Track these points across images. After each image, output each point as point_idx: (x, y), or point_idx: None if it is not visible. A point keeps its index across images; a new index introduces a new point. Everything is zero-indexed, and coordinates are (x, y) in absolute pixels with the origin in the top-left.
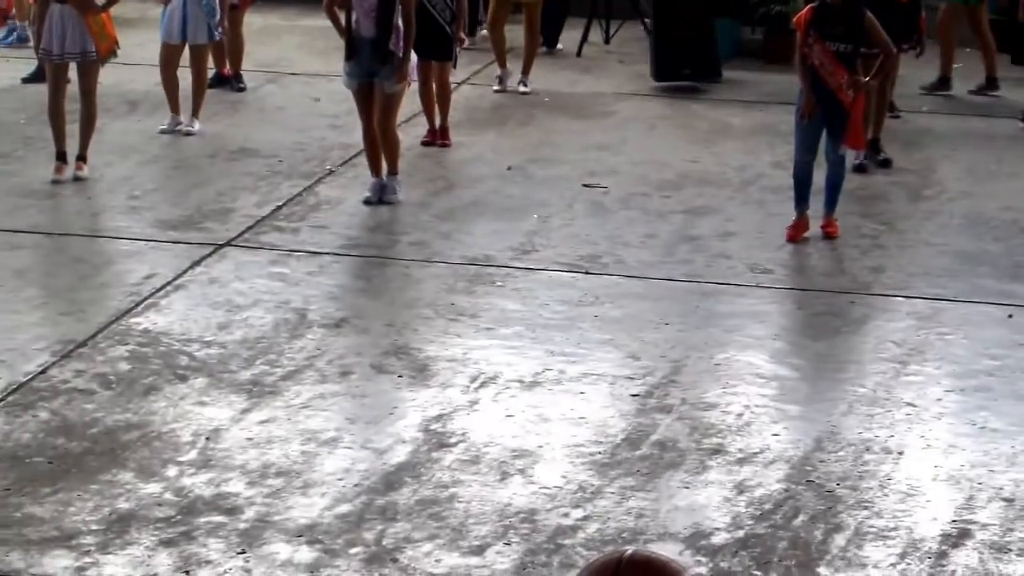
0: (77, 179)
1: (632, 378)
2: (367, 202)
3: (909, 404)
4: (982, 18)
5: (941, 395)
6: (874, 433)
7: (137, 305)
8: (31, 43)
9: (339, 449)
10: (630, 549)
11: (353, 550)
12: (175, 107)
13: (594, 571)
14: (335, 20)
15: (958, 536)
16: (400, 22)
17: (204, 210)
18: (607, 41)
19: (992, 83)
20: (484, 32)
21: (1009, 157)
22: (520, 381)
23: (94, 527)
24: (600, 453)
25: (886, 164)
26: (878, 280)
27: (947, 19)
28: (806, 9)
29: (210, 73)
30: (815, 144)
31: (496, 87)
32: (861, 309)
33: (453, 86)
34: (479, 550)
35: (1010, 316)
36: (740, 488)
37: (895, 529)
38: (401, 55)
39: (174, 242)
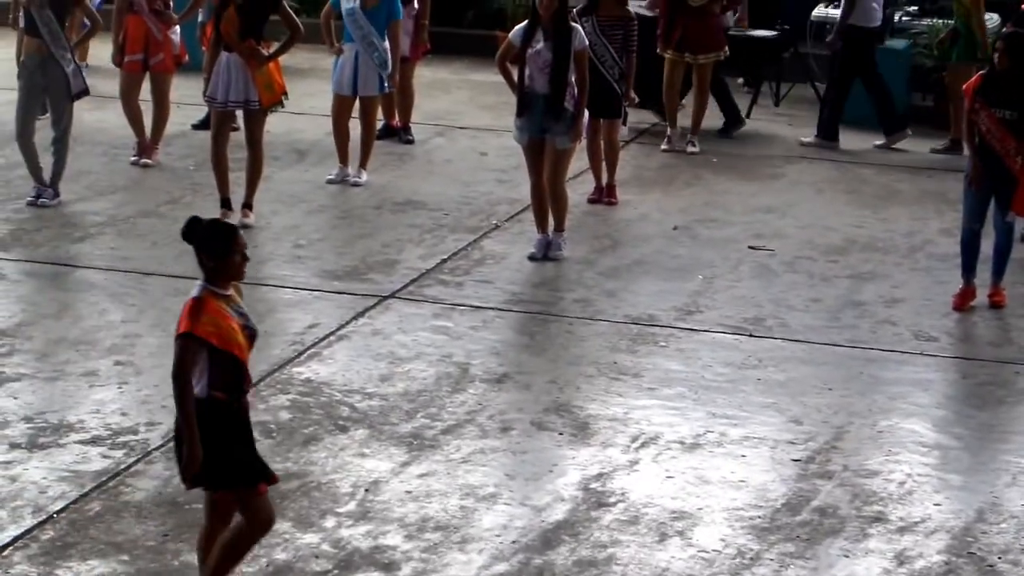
0: (243, 227)
1: (794, 443)
2: (532, 258)
3: None
4: None
5: None
6: None
7: (300, 355)
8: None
9: (498, 505)
10: None
11: None
12: (344, 158)
13: None
14: (507, 75)
15: None
16: (574, 79)
17: (369, 261)
18: (777, 104)
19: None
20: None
21: None
22: (681, 442)
23: None
24: (760, 518)
25: None
26: None
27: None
28: (976, 76)
29: (379, 125)
30: (983, 211)
31: (664, 146)
32: None
33: (621, 144)
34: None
35: None
36: (900, 559)
37: None
38: (575, 111)
39: (338, 292)
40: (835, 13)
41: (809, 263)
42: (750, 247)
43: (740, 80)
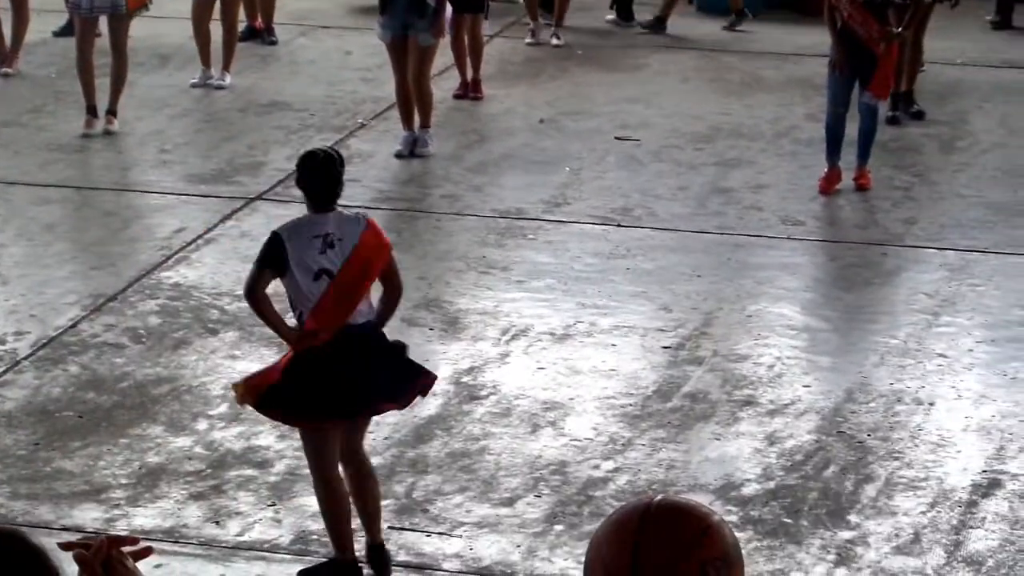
0: (107, 133)
1: (663, 330)
2: (399, 155)
3: (940, 355)
4: None
5: (972, 346)
6: (905, 384)
7: (167, 259)
8: None
9: None
10: (659, 495)
11: (384, 502)
12: (206, 60)
13: (623, 516)
14: None
15: (988, 486)
16: None
17: (235, 164)
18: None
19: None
20: None
21: None
22: (551, 334)
23: (124, 481)
24: (631, 405)
25: (919, 116)
26: (910, 232)
27: None
28: None
29: (241, 26)
30: (848, 96)
31: (529, 40)
32: (893, 261)
33: (485, 39)
34: (509, 502)
35: None
36: (771, 439)
37: (925, 479)
38: (437, 7)
39: (205, 196)
40: None
41: (675, 152)
42: (616, 138)
43: None
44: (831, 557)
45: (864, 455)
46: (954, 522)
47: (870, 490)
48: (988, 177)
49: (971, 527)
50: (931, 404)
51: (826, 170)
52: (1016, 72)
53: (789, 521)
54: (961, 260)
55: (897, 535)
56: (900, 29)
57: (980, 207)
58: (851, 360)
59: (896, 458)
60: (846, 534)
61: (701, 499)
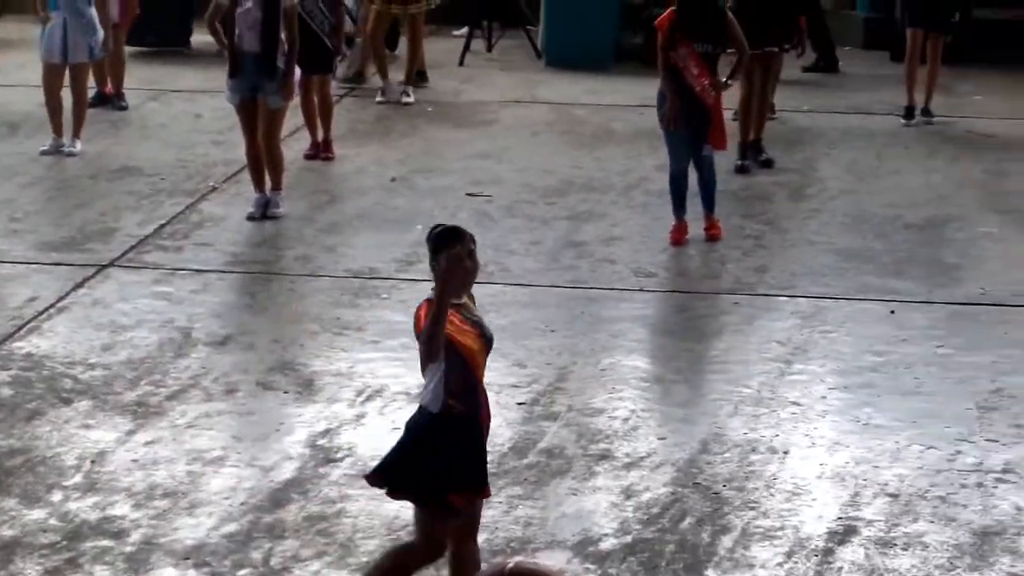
0: None
1: (518, 386)
2: (251, 218)
3: (794, 403)
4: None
5: (825, 393)
6: (759, 433)
7: (19, 329)
8: None
9: (225, 468)
10: (512, 561)
11: (241, 572)
12: (57, 128)
13: None
14: (217, 35)
15: (844, 533)
16: (283, 36)
17: (87, 231)
18: (489, 49)
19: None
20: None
21: (889, 154)
22: (406, 393)
23: None
24: (488, 463)
25: (768, 164)
26: (762, 280)
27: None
28: (667, 12)
29: (91, 92)
30: (687, 150)
31: (379, 98)
32: (745, 310)
33: (335, 98)
34: (368, 565)
35: (892, 312)
36: (627, 493)
37: (781, 528)
38: (286, 69)
39: (56, 264)
40: None
41: (527, 206)
42: (468, 194)
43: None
44: None
45: (720, 506)
46: (811, 572)
47: (727, 541)
48: (838, 223)
49: None
50: (786, 452)
51: (675, 223)
52: (861, 117)
53: None
54: (813, 307)
55: None
56: (727, 79)
57: (830, 253)
58: (705, 411)
59: (752, 508)
60: None
61: (558, 556)
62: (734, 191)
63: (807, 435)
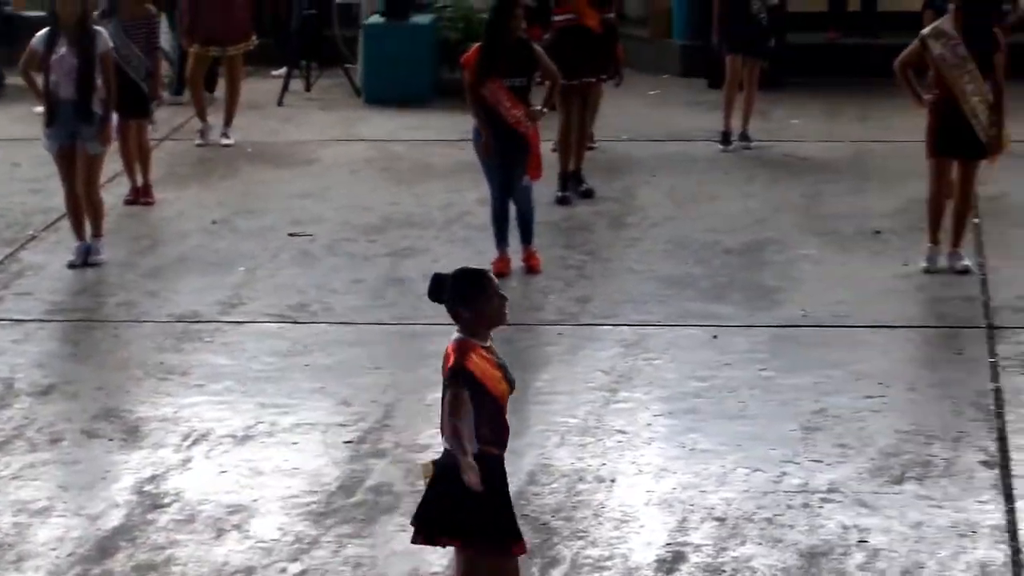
0: None
1: (345, 425)
2: (71, 265)
3: (620, 431)
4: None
5: (651, 420)
6: (586, 462)
7: None
8: None
9: (52, 518)
10: None
11: None
12: None
13: None
14: (32, 83)
15: (673, 560)
16: (100, 82)
17: None
18: (308, 89)
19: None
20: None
21: (708, 180)
22: (232, 436)
23: None
24: (315, 503)
25: (588, 194)
26: (585, 310)
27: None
28: (473, 49)
29: None
30: (506, 181)
31: (198, 141)
32: (569, 340)
33: (154, 143)
34: None
35: (715, 337)
36: None
37: (611, 558)
38: (103, 115)
39: None
40: None
41: (349, 244)
42: (290, 234)
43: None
44: None
45: (549, 536)
46: None
47: (556, 573)
48: (659, 251)
49: None
50: (613, 481)
51: (497, 255)
52: (679, 144)
53: None
54: (636, 335)
55: None
56: (541, 107)
57: (652, 281)
58: (532, 442)
59: (581, 537)
60: None
61: None
62: (555, 222)
63: (634, 462)
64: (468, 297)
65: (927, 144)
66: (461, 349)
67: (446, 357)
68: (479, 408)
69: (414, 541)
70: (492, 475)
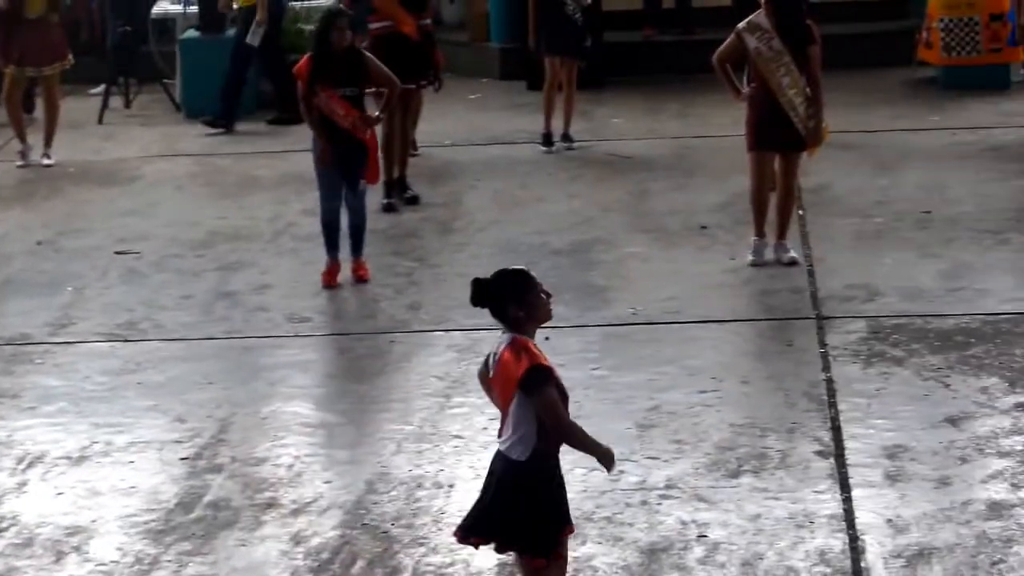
0: None
1: (180, 441)
2: None
3: (456, 436)
4: None
5: (486, 424)
6: (424, 469)
7: None
8: None
9: None
10: None
11: None
12: None
13: None
14: None
15: (514, 563)
16: None
17: None
18: (128, 105)
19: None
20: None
21: (533, 182)
22: (68, 457)
23: None
24: (154, 521)
25: (414, 201)
26: (416, 317)
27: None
28: (304, 59)
29: None
30: (339, 188)
31: (19, 162)
32: (401, 348)
33: None
34: None
35: (547, 339)
36: (296, 540)
37: (452, 564)
38: None
39: None
40: (174, 8)
41: (176, 260)
42: (116, 252)
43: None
44: None
45: (390, 545)
46: None
47: None
48: (487, 255)
49: None
50: (451, 486)
51: (327, 264)
52: (502, 147)
53: None
54: (468, 340)
55: None
56: (378, 114)
57: None
58: (369, 451)
59: (422, 544)
60: None
61: None
62: (383, 229)
63: (471, 467)
64: (519, 296)
65: (747, 138)
66: (526, 349)
67: (505, 363)
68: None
69: (467, 543)
70: (552, 472)
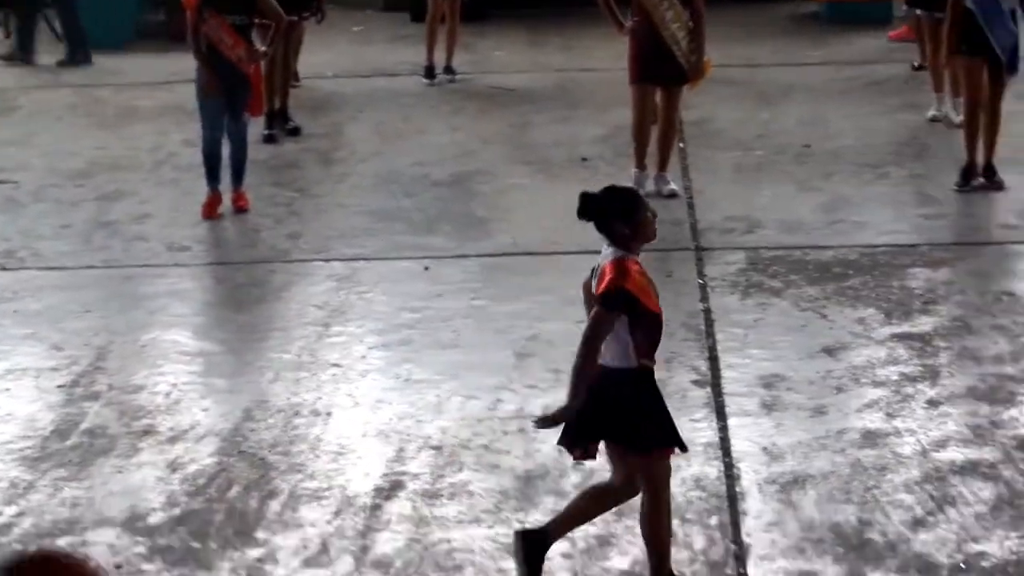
0: None
1: (57, 369)
2: None
3: (334, 364)
4: None
5: (365, 352)
6: (302, 397)
7: None
8: None
9: None
10: (32, 548)
11: None
12: None
13: None
14: None
15: (391, 488)
16: None
17: None
18: (8, 37)
19: None
20: None
21: (415, 114)
22: None
23: None
24: (30, 448)
25: (295, 132)
26: (296, 246)
27: None
28: None
29: None
30: (222, 119)
31: None
32: (282, 277)
33: None
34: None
35: (427, 268)
36: (173, 466)
37: (329, 489)
38: None
39: None
40: None
41: (55, 190)
42: None
43: None
44: None
45: (267, 471)
46: (360, 528)
47: (275, 506)
48: (368, 185)
49: (377, 530)
50: (329, 414)
51: (208, 195)
52: (387, 79)
53: (197, 546)
54: (348, 269)
55: (305, 547)
56: (267, 48)
57: (362, 215)
58: (247, 379)
59: (299, 471)
60: (255, 552)
61: (108, 534)
62: (264, 160)
63: (350, 395)
64: (627, 213)
65: (630, 71)
66: (620, 268)
67: (602, 274)
68: (637, 324)
69: (568, 451)
70: (650, 386)
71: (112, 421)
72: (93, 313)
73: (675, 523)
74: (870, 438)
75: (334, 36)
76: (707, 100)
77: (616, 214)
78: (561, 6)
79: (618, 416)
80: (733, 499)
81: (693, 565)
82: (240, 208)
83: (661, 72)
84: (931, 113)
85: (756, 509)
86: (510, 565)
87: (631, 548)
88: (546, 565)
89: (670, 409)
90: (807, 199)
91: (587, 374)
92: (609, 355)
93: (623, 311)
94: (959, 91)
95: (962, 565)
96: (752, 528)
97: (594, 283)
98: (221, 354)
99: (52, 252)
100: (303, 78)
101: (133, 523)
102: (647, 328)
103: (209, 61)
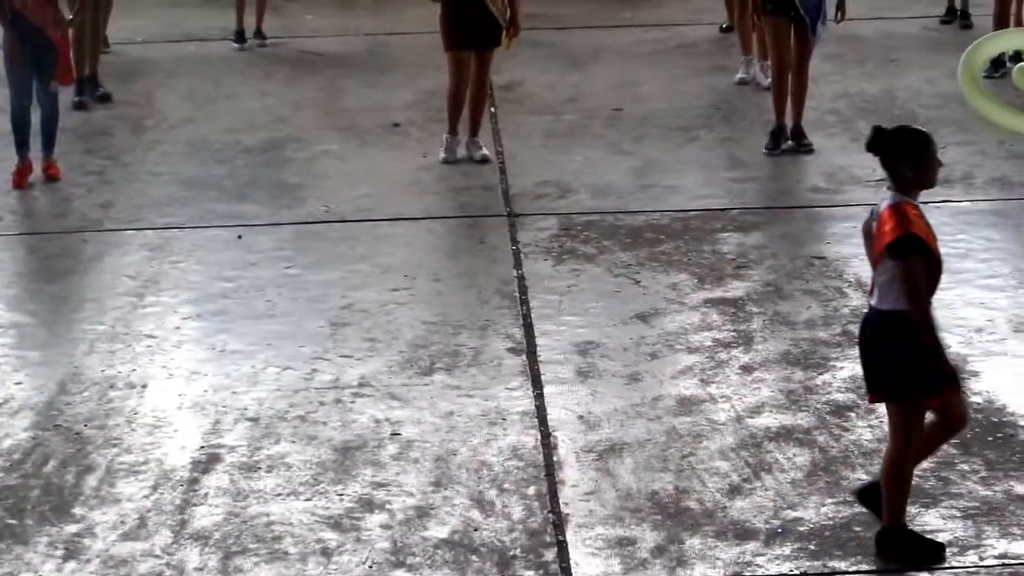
0: None
1: None
2: None
3: (149, 336)
4: None
5: (179, 323)
6: (117, 369)
7: None
8: None
9: None
10: None
11: None
12: None
13: None
14: None
15: (208, 461)
16: None
17: None
18: None
19: None
20: None
21: (226, 80)
22: None
23: None
24: None
25: (106, 99)
26: (108, 216)
27: None
28: None
29: None
30: (30, 87)
31: None
32: (93, 247)
33: None
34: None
35: (239, 237)
36: None
37: (145, 463)
38: None
39: None
40: None
41: None
42: None
43: None
44: (59, 553)
45: (83, 446)
46: (178, 501)
47: (92, 480)
48: (179, 153)
49: (195, 504)
50: (144, 386)
51: (17, 164)
52: (197, 44)
53: (14, 522)
54: (160, 238)
55: (123, 522)
56: (72, 16)
57: (174, 184)
58: (61, 352)
59: (115, 445)
60: (72, 527)
61: None
62: (74, 128)
63: (164, 367)
64: (916, 156)
65: (444, 38)
66: (902, 213)
67: (883, 220)
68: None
69: (875, 400)
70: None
71: None
72: None
73: (492, 493)
74: (685, 405)
75: (144, 1)
76: (516, 64)
77: (904, 155)
78: None
79: (890, 363)
80: (550, 467)
81: (512, 534)
82: (51, 177)
83: (476, 35)
84: (739, 76)
85: (574, 478)
86: (329, 536)
87: (449, 518)
88: (364, 535)
89: (486, 379)
90: (618, 163)
91: (931, 323)
92: (884, 301)
93: (919, 254)
94: (767, 53)
95: (779, 531)
96: (570, 497)
97: (874, 225)
98: (33, 326)
99: None
100: (113, 43)
101: None
102: (929, 271)
103: (14, 27)
